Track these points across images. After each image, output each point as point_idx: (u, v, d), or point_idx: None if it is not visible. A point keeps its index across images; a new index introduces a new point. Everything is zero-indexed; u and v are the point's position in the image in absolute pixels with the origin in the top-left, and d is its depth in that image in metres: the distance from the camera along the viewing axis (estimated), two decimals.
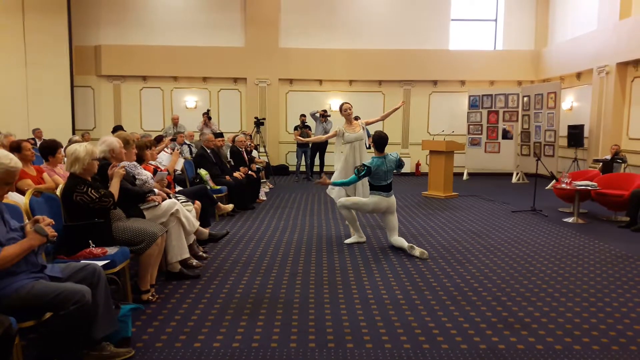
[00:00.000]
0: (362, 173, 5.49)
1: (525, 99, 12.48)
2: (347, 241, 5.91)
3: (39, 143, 8.60)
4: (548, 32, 13.66)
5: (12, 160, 2.57)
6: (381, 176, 5.57)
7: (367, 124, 6.56)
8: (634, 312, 3.80)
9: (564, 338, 3.32)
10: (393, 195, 5.73)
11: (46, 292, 2.59)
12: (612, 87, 10.44)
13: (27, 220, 2.93)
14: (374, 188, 5.66)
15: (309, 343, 3.21)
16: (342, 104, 6.49)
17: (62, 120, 12.44)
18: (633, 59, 9.90)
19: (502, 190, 10.93)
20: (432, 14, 13.71)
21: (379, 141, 5.62)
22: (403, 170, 6.91)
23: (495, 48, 14.16)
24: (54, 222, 2.73)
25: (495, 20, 14.16)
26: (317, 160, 12.64)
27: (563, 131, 11.62)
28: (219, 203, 6.93)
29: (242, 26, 13.65)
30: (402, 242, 5.51)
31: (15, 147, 4.87)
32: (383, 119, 6.98)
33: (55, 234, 2.70)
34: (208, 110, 12.24)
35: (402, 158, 6.00)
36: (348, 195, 6.20)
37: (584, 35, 11.55)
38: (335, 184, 5.92)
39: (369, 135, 6.95)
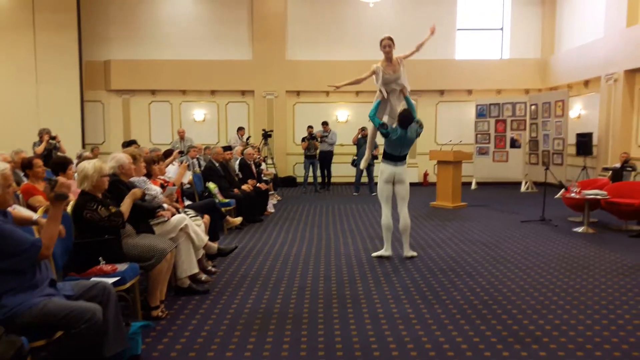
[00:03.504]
0: (382, 130, 5.59)
1: (533, 107, 12.45)
2: (374, 254, 5.87)
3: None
4: (555, 40, 13.64)
5: (1, 163, 2.69)
6: (396, 145, 5.63)
7: (405, 57, 5.89)
8: None
9: (575, 352, 3.29)
10: (403, 166, 5.75)
11: (58, 311, 2.62)
12: (621, 94, 10.39)
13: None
14: (386, 156, 5.75)
15: (318, 359, 3.20)
16: (382, 39, 5.80)
17: (72, 135, 12.54)
18: None
19: (511, 199, 10.87)
20: (438, 24, 13.56)
21: (404, 119, 5.58)
22: (411, 181, 6.62)
23: (501, 57, 14.16)
24: (68, 181, 2.82)
25: (502, 29, 14.18)
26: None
27: (571, 139, 11.55)
28: (228, 216, 6.95)
29: (249, 39, 13.77)
30: (405, 246, 5.75)
31: (27, 164, 4.93)
32: (418, 49, 6.06)
33: (71, 187, 2.80)
34: (242, 128, 12.74)
35: (410, 168, 5.95)
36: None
37: (591, 42, 11.52)
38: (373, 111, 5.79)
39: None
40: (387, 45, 5.76)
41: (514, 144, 12.68)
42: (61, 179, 2.78)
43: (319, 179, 12.65)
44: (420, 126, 5.75)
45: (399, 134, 5.60)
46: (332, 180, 12.83)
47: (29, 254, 2.63)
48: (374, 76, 5.90)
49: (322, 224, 8.03)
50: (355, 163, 11.81)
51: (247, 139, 12.36)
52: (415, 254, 5.81)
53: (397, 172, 5.69)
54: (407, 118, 5.61)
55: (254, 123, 13.89)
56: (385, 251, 5.83)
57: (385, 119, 5.88)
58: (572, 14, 12.79)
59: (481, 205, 9.88)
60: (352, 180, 12.26)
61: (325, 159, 12.48)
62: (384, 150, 5.76)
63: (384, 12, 13.62)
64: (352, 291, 4.56)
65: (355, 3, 12.94)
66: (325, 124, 12.49)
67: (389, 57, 5.81)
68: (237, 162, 9.21)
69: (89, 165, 3.64)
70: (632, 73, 10.28)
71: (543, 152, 12.11)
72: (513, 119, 12.70)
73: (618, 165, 9.41)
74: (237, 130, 12.61)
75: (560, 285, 4.72)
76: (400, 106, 5.83)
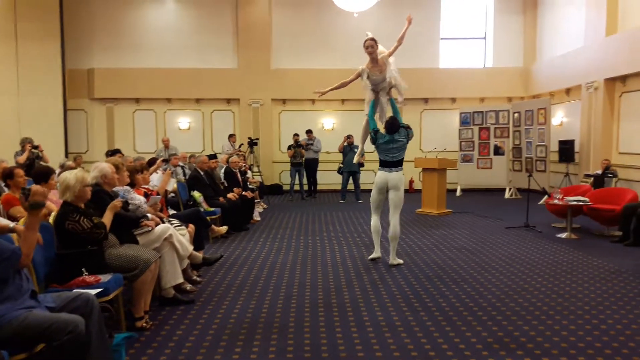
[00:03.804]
0: (372, 135, 5.75)
1: (516, 115, 12.61)
2: (369, 257, 6.01)
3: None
4: (536, 49, 13.86)
5: None
6: (386, 150, 5.71)
7: (390, 54, 5.80)
8: (629, 329, 3.81)
9: (559, 357, 3.31)
10: (398, 173, 5.73)
11: (39, 323, 2.58)
12: (601, 102, 10.57)
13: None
14: (380, 163, 5.81)
15: None
16: (365, 40, 5.70)
17: (55, 144, 12.36)
18: (620, 74, 10.04)
19: (495, 206, 10.97)
20: (422, 33, 13.86)
21: (390, 127, 5.68)
22: None
23: (485, 65, 14.33)
24: (41, 188, 2.81)
25: (485, 38, 14.36)
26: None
27: (554, 146, 11.72)
28: (213, 225, 6.90)
29: (234, 48, 13.76)
30: (392, 254, 5.78)
31: (8, 174, 4.86)
32: (400, 42, 5.85)
33: (46, 194, 2.80)
34: (234, 135, 12.84)
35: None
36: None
37: (571, 51, 11.72)
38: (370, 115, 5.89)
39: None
40: (370, 46, 5.68)
41: (498, 151, 12.81)
42: (34, 186, 2.75)
43: (305, 187, 12.65)
44: (408, 128, 5.79)
45: (386, 138, 5.67)
46: (318, 187, 12.88)
47: (10, 262, 2.64)
48: (359, 79, 5.90)
49: (309, 231, 8.02)
50: (341, 171, 11.84)
51: (240, 146, 12.34)
52: (401, 261, 5.83)
53: (391, 178, 5.71)
54: (394, 125, 5.68)
55: (239, 131, 13.84)
56: (375, 253, 5.95)
57: (375, 116, 5.96)
58: (553, 23, 13.01)
59: (466, 212, 9.95)
60: (339, 187, 12.27)
61: (311, 167, 12.50)
62: (379, 158, 5.83)
63: (368, 22, 13.66)
64: (338, 299, 4.55)
65: (339, 12, 12.97)
66: (309, 132, 12.53)
67: (373, 58, 5.76)
68: (223, 170, 9.18)
69: (70, 176, 3.60)
70: (611, 81, 10.46)
71: (526, 159, 12.26)
72: (496, 126, 12.85)
73: (599, 171, 9.55)
74: (229, 137, 12.61)
75: (545, 291, 4.77)
76: (388, 110, 5.96)
